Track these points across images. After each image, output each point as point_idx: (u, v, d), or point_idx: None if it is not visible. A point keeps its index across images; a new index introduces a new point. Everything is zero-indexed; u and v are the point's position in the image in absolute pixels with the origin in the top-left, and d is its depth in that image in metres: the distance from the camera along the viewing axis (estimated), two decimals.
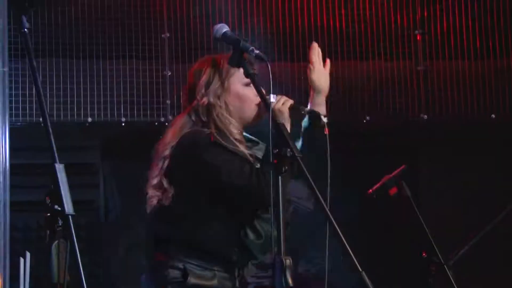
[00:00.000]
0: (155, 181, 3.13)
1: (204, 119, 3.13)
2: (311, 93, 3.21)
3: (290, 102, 3.09)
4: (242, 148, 3.08)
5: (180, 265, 3.06)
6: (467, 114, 5.32)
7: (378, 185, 3.93)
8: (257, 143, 3.21)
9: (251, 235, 3.10)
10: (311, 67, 3.22)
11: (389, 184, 3.90)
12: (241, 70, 2.95)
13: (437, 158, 5.47)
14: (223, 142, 3.05)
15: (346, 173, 5.44)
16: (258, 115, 3.16)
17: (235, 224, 3.09)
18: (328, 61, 3.27)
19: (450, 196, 5.41)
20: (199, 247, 3.08)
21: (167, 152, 3.12)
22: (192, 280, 3.05)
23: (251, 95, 3.11)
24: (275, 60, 5.05)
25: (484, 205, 5.43)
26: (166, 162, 3.11)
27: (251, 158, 3.08)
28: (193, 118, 3.15)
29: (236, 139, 3.10)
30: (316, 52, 3.26)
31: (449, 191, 5.42)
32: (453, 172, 5.44)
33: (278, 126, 2.75)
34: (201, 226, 3.08)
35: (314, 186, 2.66)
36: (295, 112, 3.09)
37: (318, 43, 4.97)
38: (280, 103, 3.09)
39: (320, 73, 3.24)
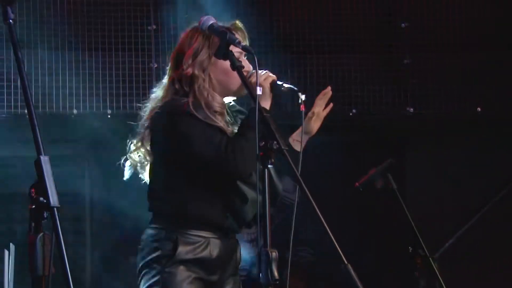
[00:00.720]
0: (136, 146, 3.17)
1: (186, 89, 3.15)
2: (300, 129, 3.21)
3: (273, 77, 3.09)
4: (218, 120, 3.09)
5: (173, 236, 3.07)
6: (453, 108, 5.33)
7: (364, 178, 3.94)
8: (243, 113, 3.23)
9: (237, 200, 3.12)
10: (314, 112, 3.23)
11: (375, 177, 3.92)
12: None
13: (423, 151, 5.49)
14: (195, 113, 3.06)
15: (332, 166, 5.46)
16: (242, 89, 3.16)
17: (219, 191, 3.11)
18: (331, 105, 3.29)
19: (436, 189, 5.43)
20: (189, 216, 3.10)
21: (148, 122, 3.16)
22: (182, 251, 3.06)
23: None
24: (262, 53, 5.04)
25: (469, 199, 5.45)
26: (147, 132, 3.15)
27: (227, 130, 3.09)
28: (176, 86, 3.18)
29: (216, 112, 3.11)
30: (326, 99, 3.26)
31: (435, 184, 5.44)
32: (439, 165, 5.46)
33: (265, 119, 2.75)
34: (185, 196, 3.10)
35: (300, 179, 2.66)
36: (276, 88, 3.09)
37: (304, 37, 4.97)
38: (262, 78, 3.09)
39: (318, 119, 3.26)
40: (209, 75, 3.16)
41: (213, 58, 3.13)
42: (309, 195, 2.61)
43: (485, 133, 5.39)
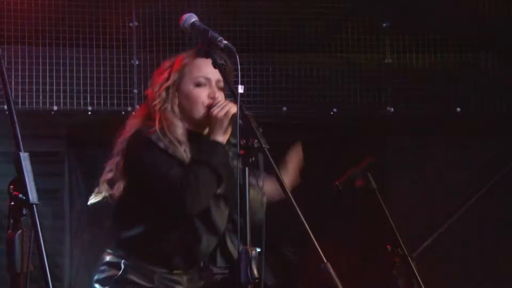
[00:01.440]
0: (109, 176, 3.15)
1: (153, 116, 3.14)
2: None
3: (234, 111, 3.01)
4: (180, 149, 3.07)
5: (125, 266, 3.09)
6: (433, 108, 5.36)
7: (344, 177, 3.95)
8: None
9: (190, 238, 3.09)
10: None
11: (355, 176, 3.93)
12: (195, 69, 3.05)
13: (403, 150, 5.51)
14: (159, 142, 3.05)
15: (312, 165, 5.46)
16: (207, 117, 3.11)
17: (173, 226, 3.08)
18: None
19: (415, 189, 5.46)
20: (140, 249, 3.10)
21: (119, 147, 3.14)
22: (133, 278, 3.08)
23: (201, 96, 3.11)
24: (243, 51, 5.03)
25: (448, 198, 5.49)
26: (118, 158, 3.14)
27: (186, 160, 3.06)
28: (146, 112, 3.17)
29: (178, 140, 3.09)
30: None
31: (415, 184, 5.46)
32: (418, 165, 5.48)
33: (246, 118, 2.75)
34: (140, 228, 3.10)
35: (281, 177, 2.67)
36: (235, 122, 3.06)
37: (285, 35, 4.95)
38: (223, 112, 3.04)
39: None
40: (174, 101, 3.13)
41: (177, 85, 3.13)
42: (289, 194, 2.61)
43: (464, 133, 5.42)
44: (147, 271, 3.09)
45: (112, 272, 3.11)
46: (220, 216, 3.11)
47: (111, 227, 3.19)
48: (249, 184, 2.76)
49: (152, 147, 3.04)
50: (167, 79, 3.14)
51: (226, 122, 3.03)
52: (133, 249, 3.11)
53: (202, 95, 3.10)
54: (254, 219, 2.92)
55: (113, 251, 3.15)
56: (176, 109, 3.13)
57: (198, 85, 3.11)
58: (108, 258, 3.15)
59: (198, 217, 3.06)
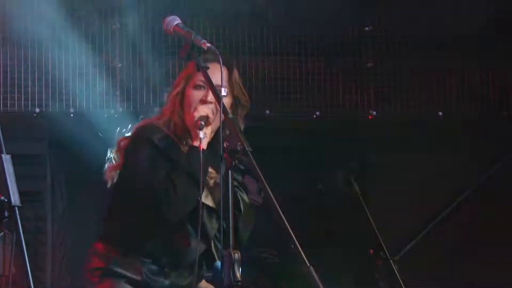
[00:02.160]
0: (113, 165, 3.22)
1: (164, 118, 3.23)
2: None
3: (203, 115, 3.10)
4: (182, 148, 3.12)
5: (111, 256, 3.11)
6: (415, 111, 5.38)
7: (327, 180, 3.96)
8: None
9: (178, 240, 3.12)
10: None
11: (338, 179, 3.94)
12: (198, 74, 3.05)
13: (385, 154, 5.53)
14: (159, 142, 3.09)
15: (295, 168, 5.47)
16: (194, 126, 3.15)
17: (162, 226, 3.10)
18: None
19: (398, 192, 5.47)
20: (128, 245, 3.14)
21: (125, 143, 3.22)
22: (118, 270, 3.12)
23: (194, 98, 3.15)
24: (227, 54, 5.02)
25: (430, 202, 5.51)
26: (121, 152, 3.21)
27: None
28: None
29: (180, 140, 3.15)
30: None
31: (397, 187, 5.47)
32: (400, 169, 5.50)
33: (230, 121, 2.75)
34: (129, 223, 3.12)
35: (264, 180, 2.67)
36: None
37: (268, 39, 4.97)
38: (194, 117, 3.11)
39: None
40: (181, 106, 3.20)
41: (184, 90, 3.19)
42: (272, 197, 2.61)
43: (446, 137, 5.44)
44: (135, 264, 3.09)
45: (100, 263, 3.11)
46: (211, 228, 3.15)
47: (105, 215, 3.19)
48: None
49: (148, 147, 3.08)
50: (177, 85, 3.21)
51: (197, 128, 3.07)
52: (122, 241, 3.12)
53: (196, 97, 3.13)
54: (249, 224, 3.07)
55: (103, 240, 3.16)
56: (182, 113, 3.17)
57: (196, 88, 3.15)
58: (97, 248, 3.15)
59: (190, 222, 3.07)
